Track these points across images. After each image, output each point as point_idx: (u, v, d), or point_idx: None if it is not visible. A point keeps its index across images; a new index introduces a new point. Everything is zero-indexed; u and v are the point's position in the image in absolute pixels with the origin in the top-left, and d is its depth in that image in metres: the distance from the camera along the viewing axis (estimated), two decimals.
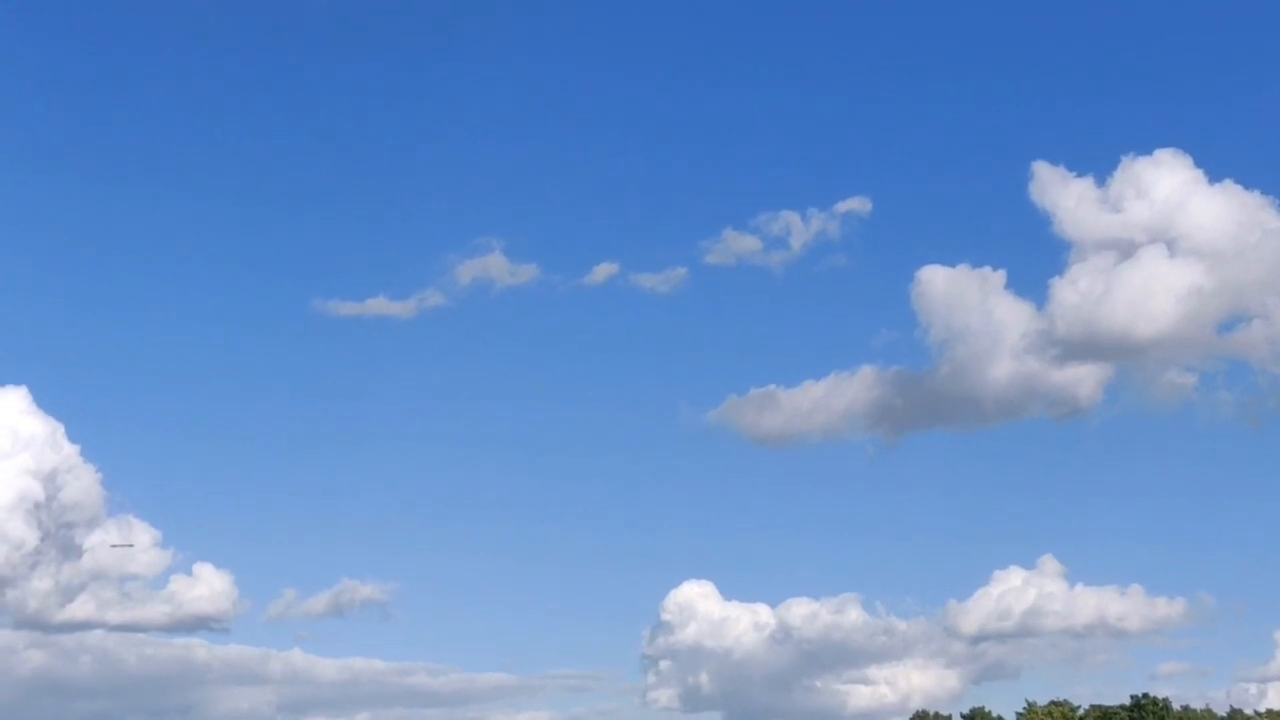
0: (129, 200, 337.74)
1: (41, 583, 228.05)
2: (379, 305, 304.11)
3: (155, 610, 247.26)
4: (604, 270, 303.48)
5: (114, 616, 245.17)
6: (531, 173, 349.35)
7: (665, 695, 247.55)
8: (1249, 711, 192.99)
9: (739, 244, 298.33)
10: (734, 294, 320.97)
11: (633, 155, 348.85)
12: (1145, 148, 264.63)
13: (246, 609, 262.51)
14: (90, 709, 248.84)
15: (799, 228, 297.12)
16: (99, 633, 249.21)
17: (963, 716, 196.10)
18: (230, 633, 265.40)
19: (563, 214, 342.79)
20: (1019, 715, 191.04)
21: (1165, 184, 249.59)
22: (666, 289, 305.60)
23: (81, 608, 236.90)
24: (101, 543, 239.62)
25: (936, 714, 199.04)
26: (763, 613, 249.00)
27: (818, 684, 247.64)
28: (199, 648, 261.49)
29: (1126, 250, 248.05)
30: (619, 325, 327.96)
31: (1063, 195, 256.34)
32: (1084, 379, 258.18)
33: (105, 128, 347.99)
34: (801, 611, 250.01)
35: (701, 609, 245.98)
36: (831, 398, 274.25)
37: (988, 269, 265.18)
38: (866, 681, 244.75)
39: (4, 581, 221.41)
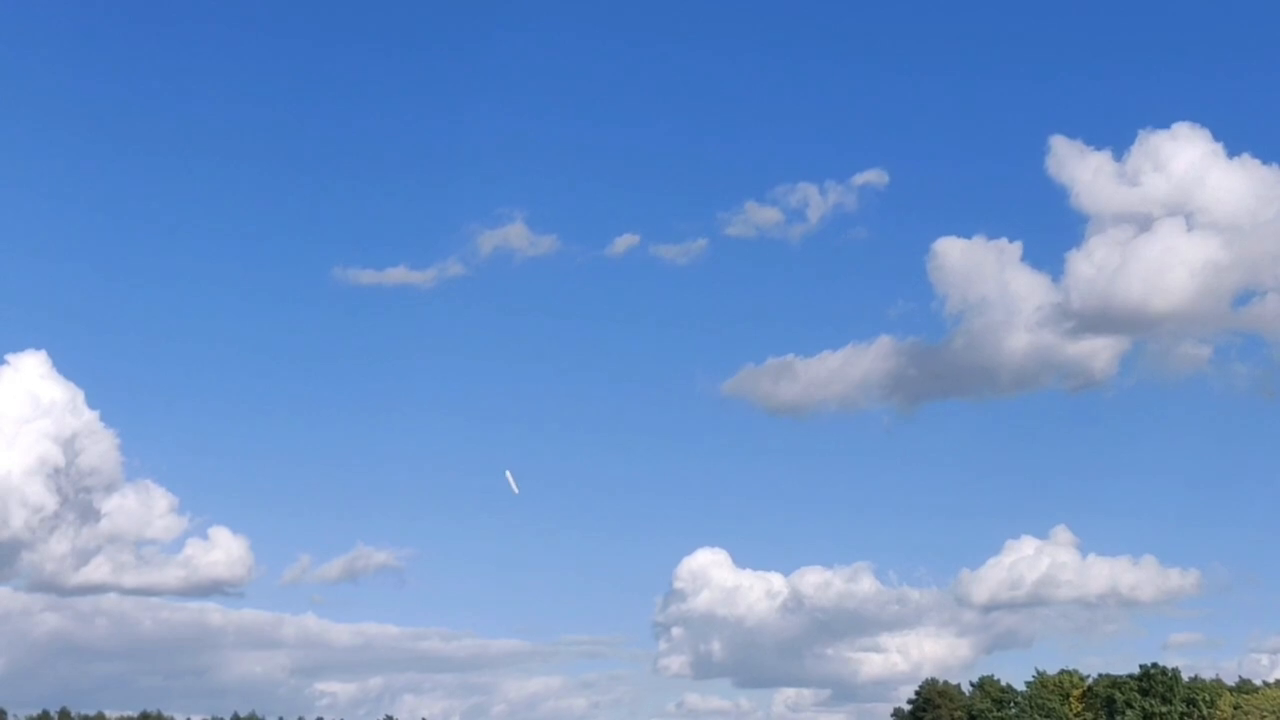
0: (151, 168, 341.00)
1: (58, 546, 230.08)
2: (400, 274, 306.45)
3: (171, 574, 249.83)
4: (624, 241, 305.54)
5: (129, 580, 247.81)
6: (553, 144, 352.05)
7: (677, 662, 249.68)
8: (1258, 682, 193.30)
9: (759, 216, 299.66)
10: (752, 265, 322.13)
11: (653, 128, 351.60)
12: (1163, 121, 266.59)
13: (262, 574, 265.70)
14: (105, 671, 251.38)
15: (816, 200, 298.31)
16: (113, 596, 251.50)
17: (972, 685, 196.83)
18: (245, 597, 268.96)
19: (584, 185, 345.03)
20: (1028, 684, 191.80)
21: (1183, 158, 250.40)
22: (686, 260, 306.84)
23: (97, 571, 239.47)
24: (119, 506, 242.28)
25: (946, 682, 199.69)
26: (775, 581, 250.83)
27: (829, 652, 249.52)
28: (214, 611, 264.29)
29: (1144, 224, 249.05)
30: (638, 296, 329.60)
31: (1080, 168, 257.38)
32: (1099, 351, 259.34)
33: (129, 97, 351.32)
34: (814, 580, 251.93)
35: (715, 577, 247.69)
36: (848, 368, 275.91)
37: (1004, 241, 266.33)
38: (878, 650, 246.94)
39: (22, 544, 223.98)
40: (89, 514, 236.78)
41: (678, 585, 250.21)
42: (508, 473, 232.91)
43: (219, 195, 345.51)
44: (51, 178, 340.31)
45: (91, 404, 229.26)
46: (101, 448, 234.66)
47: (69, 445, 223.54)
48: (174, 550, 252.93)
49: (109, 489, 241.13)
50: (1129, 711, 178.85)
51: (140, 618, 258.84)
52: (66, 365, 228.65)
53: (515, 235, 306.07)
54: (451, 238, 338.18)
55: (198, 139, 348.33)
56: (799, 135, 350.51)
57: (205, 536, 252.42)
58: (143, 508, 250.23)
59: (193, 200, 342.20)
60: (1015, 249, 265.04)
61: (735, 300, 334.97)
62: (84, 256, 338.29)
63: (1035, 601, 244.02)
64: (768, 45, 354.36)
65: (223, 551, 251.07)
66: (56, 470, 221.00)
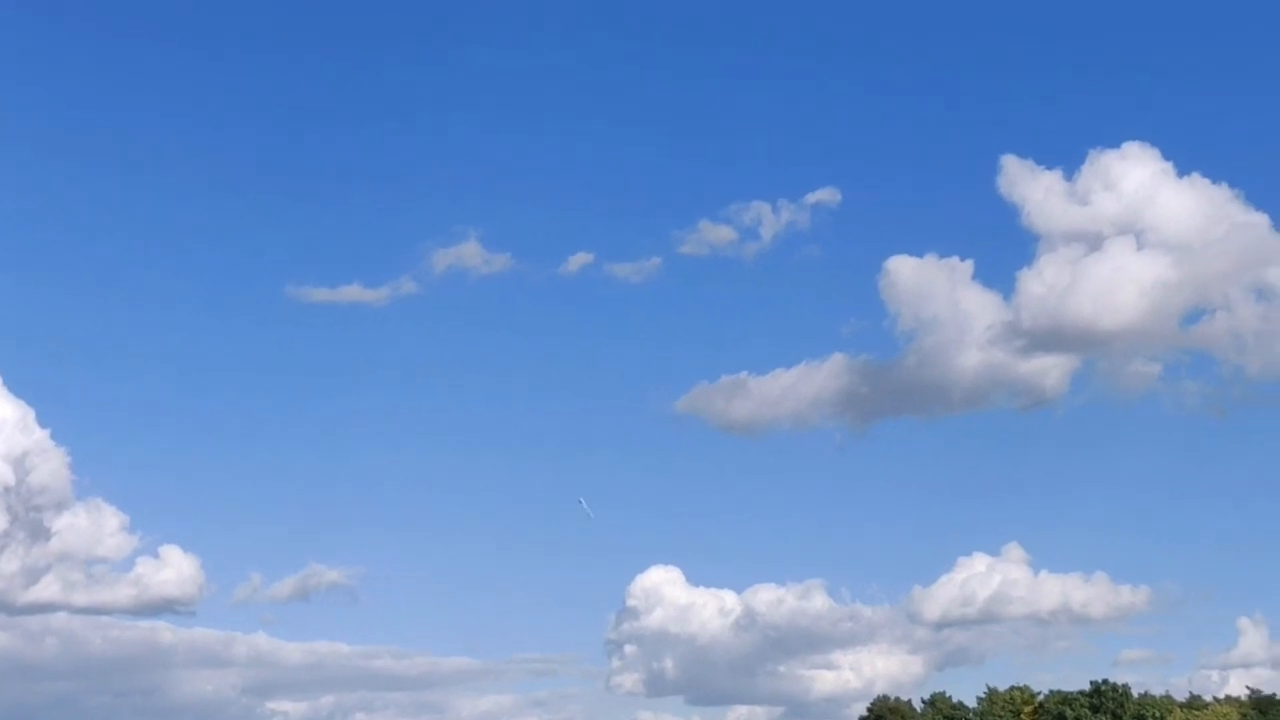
0: (103, 185, 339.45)
1: (8, 565, 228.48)
2: (353, 292, 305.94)
3: (121, 593, 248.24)
4: (578, 260, 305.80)
5: (79, 599, 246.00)
6: (508, 163, 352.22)
7: (630, 680, 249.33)
8: (1208, 698, 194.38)
9: (713, 234, 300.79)
10: (706, 283, 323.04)
11: (608, 146, 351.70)
12: (1113, 141, 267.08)
13: (212, 592, 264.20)
14: (54, 690, 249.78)
15: (770, 219, 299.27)
16: (63, 615, 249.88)
17: (923, 702, 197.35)
18: (196, 616, 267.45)
19: (538, 204, 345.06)
20: (980, 701, 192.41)
21: (1133, 177, 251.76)
22: (640, 279, 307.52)
23: (46, 589, 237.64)
24: (70, 525, 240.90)
25: (897, 699, 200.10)
26: (728, 598, 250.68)
27: (781, 669, 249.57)
28: (164, 630, 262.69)
29: (1094, 242, 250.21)
30: (592, 314, 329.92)
31: (1031, 188, 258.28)
32: (1050, 369, 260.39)
33: (78, 112, 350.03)
34: (767, 597, 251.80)
35: (668, 594, 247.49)
36: (800, 386, 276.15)
37: (955, 259, 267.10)
38: (831, 667, 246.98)
39: None
40: (39, 533, 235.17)
41: (630, 603, 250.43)
42: (582, 500, 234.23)
43: (171, 212, 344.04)
44: None
45: (42, 422, 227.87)
46: (52, 466, 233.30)
47: (19, 464, 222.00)
48: (124, 569, 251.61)
49: (59, 507, 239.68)
50: None
51: (90, 637, 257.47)
52: (17, 383, 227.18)
53: (469, 253, 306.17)
54: (405, 256, 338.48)
55: (150, 155, 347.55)
56: (752, 154, 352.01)
57: (156, 555, 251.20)
58: (93, 526, 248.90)
59: (144, 217, 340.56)
60: (966, 267, 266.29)
61: (689, 318, 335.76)
62: (34, 274, 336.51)
63: (987, 618, 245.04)
64: (721, 65, 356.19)
65: (174, 570, 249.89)
66: (6, 489, 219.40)
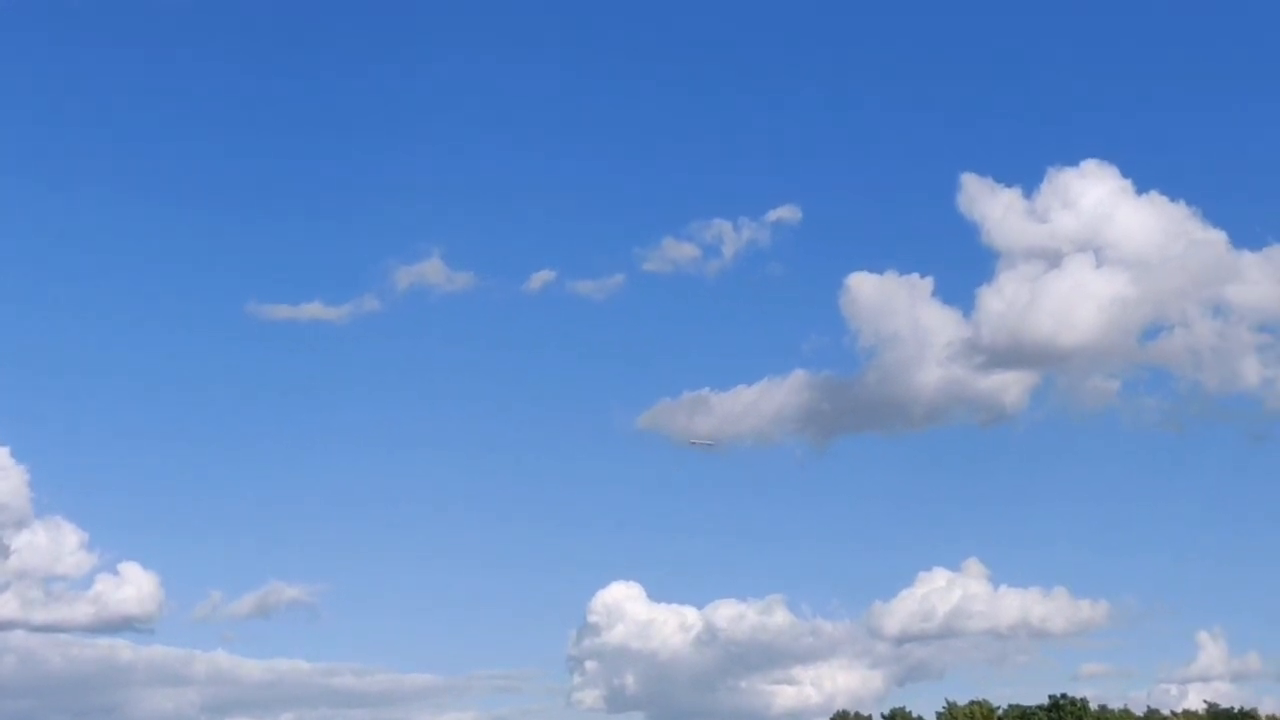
0: (61, 199, 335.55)
1: None
2: (315, 310, 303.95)
3: (80, 610, 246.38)
4: (541, 277, 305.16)
5: (38, 616, 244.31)
6: (470, 180, 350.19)
7: (591, 696, 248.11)
8: (1166, 712, 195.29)
9: (676, 251, 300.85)
10: (669, 300, 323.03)
11: (570, 164, 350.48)
12: (1072, 159, 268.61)
13: (172, 610, 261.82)
14: (12, 709, 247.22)
15: (731, 236, 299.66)
16: (21, 633, 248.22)
17: (883, 716, 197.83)
18: (155, 633, 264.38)
19: (501, 221, 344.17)
20: (939, 715, 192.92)
21: (1092, 194, 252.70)
22: (603, 296, 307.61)
23: (4, 607, 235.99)
24: (29, 543, 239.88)
25: (858, 714, 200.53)
26: (689, 614, 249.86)
27: (743, 685, 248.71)
28: (123, 648, 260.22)
29: (1053, 260, 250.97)
30: (555, 331, 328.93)
31: (990, 205, 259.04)
32: (1009, 385, 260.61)
33: (33, 126, 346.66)
34: (728, 613, 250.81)
35: (629, 610, 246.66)
36: (762, 402, 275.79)
37: (915, 276, 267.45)
38: (792, 682, 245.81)
39: None
40: None
41: (591, 619, 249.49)
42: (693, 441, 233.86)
43: (130, 228, 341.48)
44: None
45: (1, 439, 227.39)
46: (11, 484, 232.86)
47: None
48: (84, 586, 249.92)
49: (18, 525, 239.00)
50: None
51: (49, 655, 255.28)
52: None
53: (432, 271, 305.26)
54: (367, 273, 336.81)
55: (109, 170, 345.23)
56: (714, 171, 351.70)
57: (115, 572, 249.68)
58: (52, 543, 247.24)
59: (104, 233, 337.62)
60: (926, 284, 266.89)
61: (651, 335, 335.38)
62: None
63: (947, 633, 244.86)
64: (681, 83, 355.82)
65: (133, 588, 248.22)
66: None
